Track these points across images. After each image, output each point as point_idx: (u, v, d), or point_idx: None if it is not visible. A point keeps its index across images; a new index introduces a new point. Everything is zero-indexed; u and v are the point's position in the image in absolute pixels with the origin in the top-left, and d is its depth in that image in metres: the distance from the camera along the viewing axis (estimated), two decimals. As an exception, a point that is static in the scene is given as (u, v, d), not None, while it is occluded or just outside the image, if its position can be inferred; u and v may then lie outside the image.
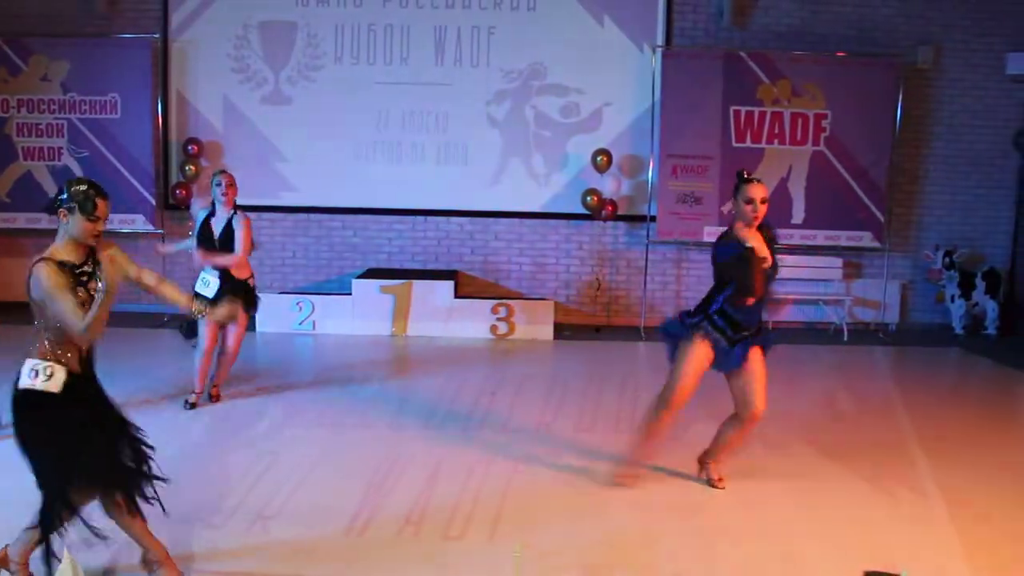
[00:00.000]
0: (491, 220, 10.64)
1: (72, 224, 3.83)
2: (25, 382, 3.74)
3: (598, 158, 10.08)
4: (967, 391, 8.35)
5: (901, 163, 10.48)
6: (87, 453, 3.78)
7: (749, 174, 5.10)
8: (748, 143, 10.17)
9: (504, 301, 9.94)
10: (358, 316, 9.68)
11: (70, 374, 3.79)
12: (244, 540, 4.55)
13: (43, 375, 3.73)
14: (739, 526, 4.88)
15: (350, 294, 9.79)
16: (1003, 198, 10.75)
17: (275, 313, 9.63)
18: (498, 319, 9.85)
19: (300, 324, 9.72)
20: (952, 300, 10.51)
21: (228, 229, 6.74)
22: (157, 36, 10.28)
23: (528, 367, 8.71)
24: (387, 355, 9.03)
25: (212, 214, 6.81)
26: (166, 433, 6.01)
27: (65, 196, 3.83)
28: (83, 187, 3.84)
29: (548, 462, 5.82)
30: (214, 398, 6.99)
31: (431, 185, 10.51)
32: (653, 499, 5.24)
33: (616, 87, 10.44)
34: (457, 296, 9.93)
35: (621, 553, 4.50)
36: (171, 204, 10.42)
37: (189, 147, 10.22)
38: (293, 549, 4.44)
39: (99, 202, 3.83)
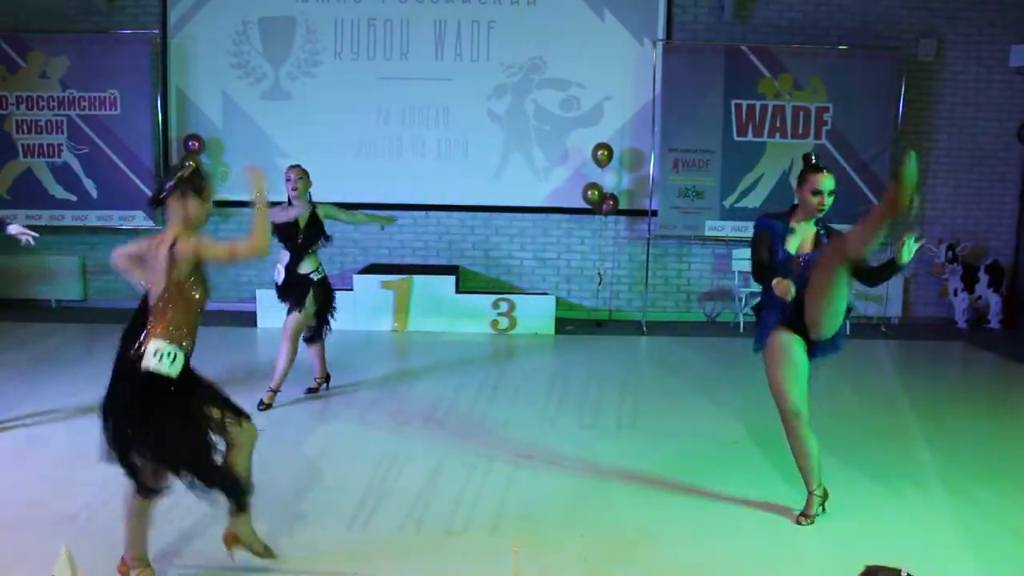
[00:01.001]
0: (492, 215, 10.62)
1: (191, 208, 3.78)
2: (151, 363, 3.65)
3: (599, 152, 10.06)
4: (970, 385, 8.32)
5: (903, 156, 10.41)
6: (177, 439, 3.75)
7: (817, 158, 4.77)
8: (750, 137, 10.14)
9: (505, 296, 9.91)
10: (359, 311, 9.66)
11: (186, 358, 3.78)
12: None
13: (167, 359, 3.68)
14: (740, 520, 4.86)
15: (351, 289, 9.77)
16: (1006, 191, 10.71)
17: (277, 309, 9.56)
18: (499, 314, 9.83)
19: (301, 320, 9.69)
20: (955, 294, 10.49)
21: (302, 223, 6.76)
22: (156, 32, 10.25)
23: (529, 362, 8.69)
24: (388, 351, 9.01)
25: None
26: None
27: (173, 183, 3.78)
28: (193, 169, 3.83)
29: (550, 457, 5.81)
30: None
31: (432, 180, 10.49)
32: (655, 494, 5.21)
33: (617, 81, 10.41)
34: (458, 291, 9.91)
35: (623, 548, 4.48)
36: (171, 200, 10.36)
37: (189, 143, 10.20)
38: (294, 544, 4.42)
39: (208, 184, 3.86)
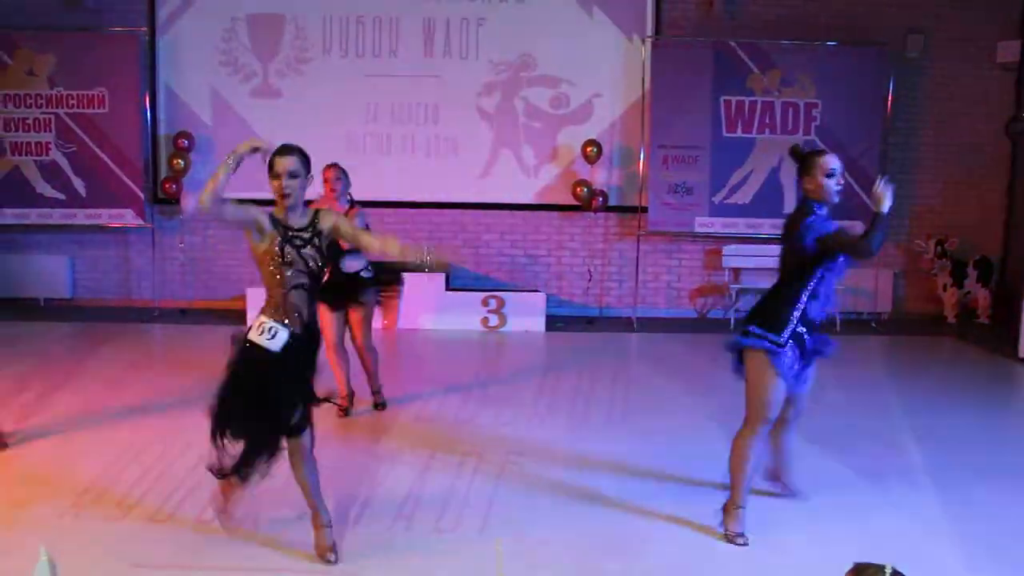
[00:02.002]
0: (482, 212, 10.61)
1: (273, 187, 4.01)
2: (253, 335, 3.96)
3: (588, 149, 10.06)
4: (959, 380, 8.35)
5: (892, 152, 10.47)
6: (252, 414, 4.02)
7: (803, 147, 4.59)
8: (739, 133, 10.15)
9: (495, 293, 9.91)
10: (349, 309, 9.62)
11: (291, 335, 3.97)
12: (233, 532, 4.53)
13: (267, 333, 3.93)
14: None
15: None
16: (994, 186, 10.74)
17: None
18: (489, 311, 9.83)
19: (291, 318, 9.67)
20: (944, 289, 10.52)
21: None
22: (144, 29, 10.19)
23: (519, 359, 8.69)
24: (378, 348, 8.99)
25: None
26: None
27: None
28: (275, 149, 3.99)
29: (540, 455, 5.81)
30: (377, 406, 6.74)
31: (421, 177, 10.47)
32: (644, 492, 5.22)
33: (606, 78, 10.41)
34: (448, 289, 9.90)
35: (611, 545, 4.49)
36: (160, 198, 10.35)
37: (178, 141, 10.16)
38: (285, 541, 4.42)
39: (275, 159, 3.96)
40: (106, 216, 10.21)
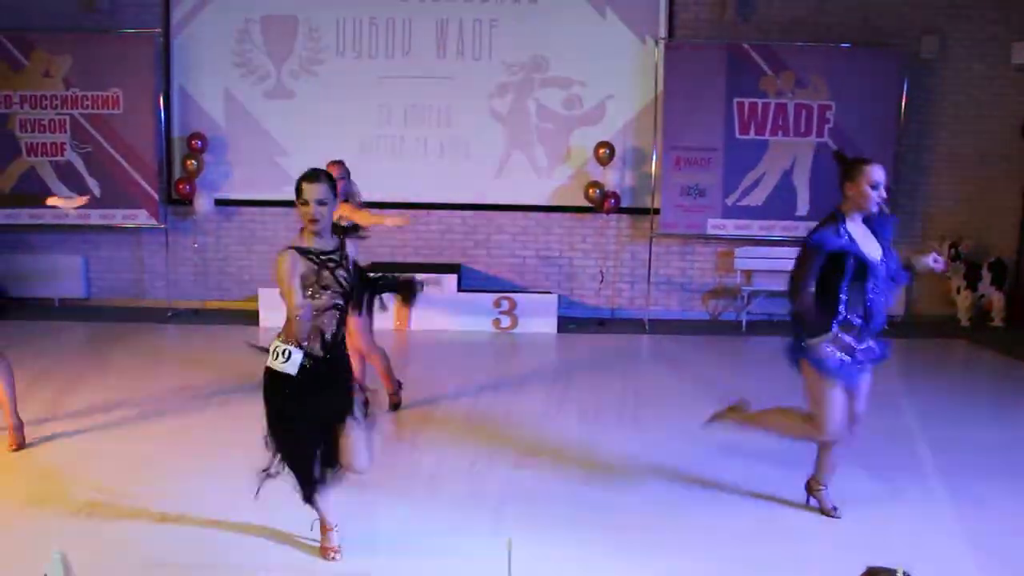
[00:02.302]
0: (494, 213, 10.62)
1: (301, 212, 3.99)
2: (269, 360, 3.95)
3: (601, 151, 10.06)
4: (973, 383, 8.30)
5: (906, 154, 10.43)
6: (291, 439, 4.08)
7: (845, 152, 4.65)
8: (752, 135, 10.12)
9: (507, 294, 9.92)
10: (361, 310, 9.64)
11: (310, 357, 3.94)
12: (250, 528, 4.56)
13: (282, 357, 3.90)
14: (742, 519, 4.86)
15: (353, 288, 9.75)
16: (1009, 188, 10.67)
17: (279, 307, 9.63)
18: (501, 312, 9.83)
19: (303, 318, 9.70)
20: (958, 291, 10.47)
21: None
22: (159, 31, 10.25)
23: (531, 361, 8.69)
24: (390, 349, 9.00)
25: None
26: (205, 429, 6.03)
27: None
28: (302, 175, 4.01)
29: (552, 455, 5.81)
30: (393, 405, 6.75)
31: (434, 179, 10.49)
32: (657, 493, 5.22)
33: (619, 79, 10.40)
34: (460, 290, 9.91)
35: (622, 546, 4.49)
36: (174, 199, 10.41)
37: (192, 142, 10.21)
38: (299, 542, 4.44)
39: (304, 185, 3.96)
40: (120, 217, 10.27)
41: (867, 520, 4.85)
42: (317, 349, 3.99)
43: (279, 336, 3.97)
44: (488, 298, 9.90)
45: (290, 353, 3.89)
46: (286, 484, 4.25)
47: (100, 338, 8.96)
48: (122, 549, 4.33)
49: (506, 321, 9.83)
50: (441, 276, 9.80)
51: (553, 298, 10.02)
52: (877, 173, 4.42)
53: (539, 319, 9.84)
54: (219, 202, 10.39)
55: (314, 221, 3.96)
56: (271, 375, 3.97)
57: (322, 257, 3.98)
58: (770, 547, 4.52)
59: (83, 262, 10.64)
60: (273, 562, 4.27)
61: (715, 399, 7.17)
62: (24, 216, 10.21)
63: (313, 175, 3.99)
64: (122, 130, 10.18)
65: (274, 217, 10.54)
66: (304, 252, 3.94)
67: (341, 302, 4.05)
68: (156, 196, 10.22)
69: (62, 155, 10.21)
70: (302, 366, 3.90)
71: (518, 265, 10.70)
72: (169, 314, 10.12)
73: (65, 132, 10.19)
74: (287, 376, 3.90)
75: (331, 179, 4.03)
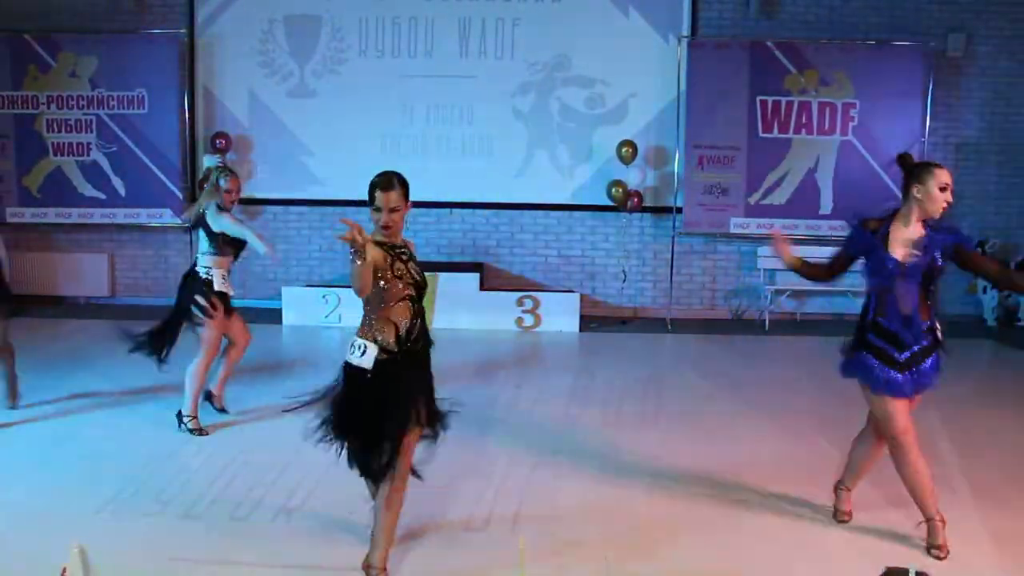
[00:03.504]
0: (516, 212, 10.62)
1: (373, 217, 3.99)
2: (347, 355, 3.98)
3: (623, 149, 10.03)
4: (999, 384, 8.22)
5: (931, 152, 10.34)
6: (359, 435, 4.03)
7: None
8: (775, 133, 10.07)
9: (530, 293, 9.92)
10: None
11: (386, 351, 3.92)
12: (268, 531, 4.59)
13: (358, 351, 3.93)
14: (764, 520, 4.84)
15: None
16: (1036, 187, 10.58)
17: (302, 306, 9.78)
18: (524, 311, 9.84)
19: (326, 317, 9.76)
20: (984, 291, 10.37)
21: None
22: (184, 31, 10.33)
23: (553, 359, 8.69)
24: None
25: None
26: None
27: None
28: (373, 180, 4.02)
29: (572, 455, 5.81)
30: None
31: (456, 178, 10.50)
32: (676, 494, 5.20)
33: (641, 78, 10.37)
34: (483, 288, 9.92)
35: (642, 547, 4.48)
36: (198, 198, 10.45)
37: (216, 141, 10.27)
38: (317, 540, 4.46)
39: (377, 193, 3.97)
40: (144, 216, 10.36)
41: (890, 521, 4.79)
42: (391, 343, 3.94)
43: (358, 332, 4.00)
44: (511, 297, 9.90)
45: (365, 348, 3.92)
46: (304, 481, 4.26)
47: (125, 336, 8.99)
48: (146, 544, 4.37)
49: (529, 320, 9.83)
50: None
51: (575, 297, 10.00)
52: (947, 176, 4.29)
53: (562, 318, 9.83)
54: (242, 201, 10.41)
55: (386, 228, 3.97)
56: (348, 370, 3.99)
57: (397, 250, 3.99)
58: (791, 547, 4.50)
59: (108, 260, 10.73)
60: (297, 560, 4.28)
61: (739, 399, 7.17)
62: (52, 215, 10.32)
63: (387, 183, 3.98)
64: (147, 130, 10.27)
65: (298, 216, 10.60)
66: (378, 243, 3.93)
67: (414, 293, 4.02)
68: (180, 195, 10.30)
69: (88, 155, 10.31)
70: (378, 362, 3.91)
71: (540, 264, 10.70)
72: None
73: (91, 132, 10.30)
74: (363, 371, 3.92)
75: (404, 184, 4.04)
